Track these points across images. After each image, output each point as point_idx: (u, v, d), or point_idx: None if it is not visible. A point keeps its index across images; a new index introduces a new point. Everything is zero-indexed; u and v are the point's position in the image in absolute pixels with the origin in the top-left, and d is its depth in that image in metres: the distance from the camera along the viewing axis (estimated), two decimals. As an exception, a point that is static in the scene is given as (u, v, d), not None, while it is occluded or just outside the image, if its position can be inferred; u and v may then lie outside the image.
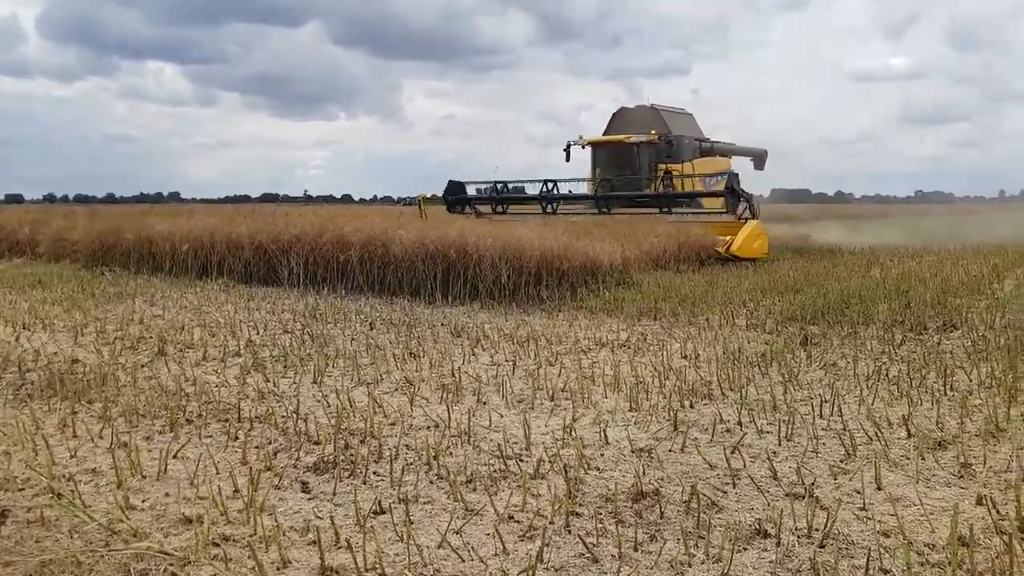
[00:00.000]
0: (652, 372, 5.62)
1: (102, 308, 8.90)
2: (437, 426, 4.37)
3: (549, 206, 17.08)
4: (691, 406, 4.78)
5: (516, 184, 18.15)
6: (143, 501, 3.30)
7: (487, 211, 18.02)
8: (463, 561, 2.74)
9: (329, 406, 4.76)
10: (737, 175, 16.31)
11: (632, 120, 19.95)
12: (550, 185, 17.25)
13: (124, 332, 7.28)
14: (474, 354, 6.36)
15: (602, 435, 4.15)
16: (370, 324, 7.88)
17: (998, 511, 3.07)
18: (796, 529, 2.97)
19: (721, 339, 6.87)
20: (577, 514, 3.15)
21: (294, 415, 4.53)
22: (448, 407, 4.66)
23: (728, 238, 14.24)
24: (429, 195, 19.99)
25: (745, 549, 2.82)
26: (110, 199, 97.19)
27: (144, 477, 3.59)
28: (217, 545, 2.85)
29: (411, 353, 6.37)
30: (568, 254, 10.30)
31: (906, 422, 4.27)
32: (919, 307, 8.26)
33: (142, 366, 5.90)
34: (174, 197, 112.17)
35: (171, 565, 2.70)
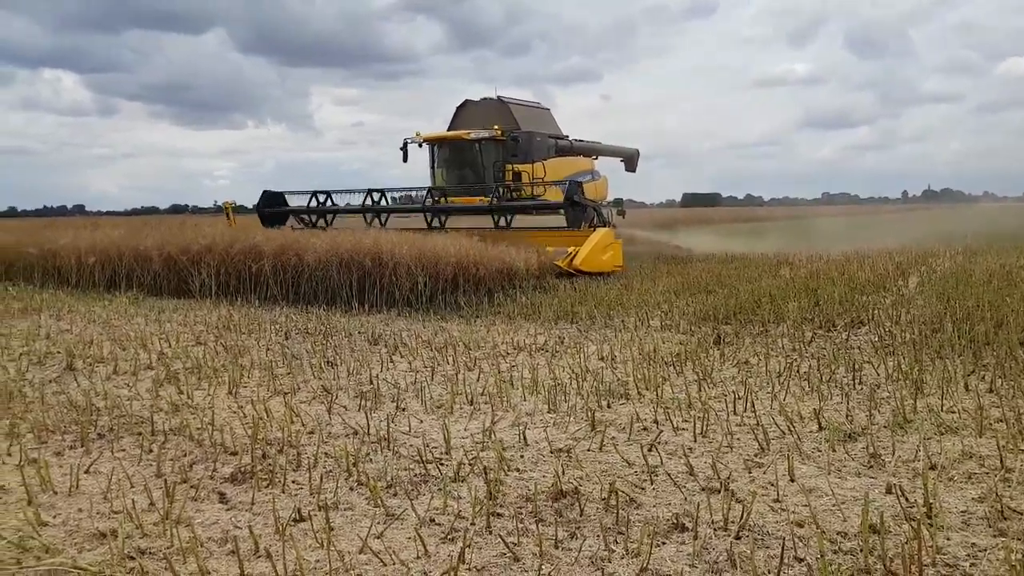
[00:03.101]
0: (570, 374, 5.68)
1: (6, 323, 8.58)
2: (356, 433, 4.34)
3: (376, 220, 14.53)
4: (608, 406, 4.84)
5: (344, 193, 15.26)
6: (55, 517, 3.20)
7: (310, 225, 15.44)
8: (385, 565, 2.73)
9: (245, 416, 4.68)
10: (580, 184, 13.98)
11: (477, 114, 17.43)
12: (377, 196, 14.65)
13: (30, 347, 7.04)
14: (392, 361, 6.33)
15: (521, 437, 4.17)
16: (285, 334, 7.77)
17: (906, 499, 3.20)
18: (713, 522, 3.04)
19: (637, 340, 6.97)
20: (498, 515, 3.17)
21: (209, 426, 4.44)
22: (367, 414, 4.64)
23: (572, 249, 12.13)
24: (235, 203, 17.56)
25: (664, 543, 2.88)
26: (11, 213, 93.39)
27: (55, 493, 3.48)
28: (133, 559, 2.78)
29: (328, 362, 6.30)
30: (484, 260, 10.35)
31: (817, 416, 4.40)
32: (828, 305, 8.52)
33: (50, 381, 5.71)
34: (79, 210, 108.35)
35: (84, 581, 2.62)
